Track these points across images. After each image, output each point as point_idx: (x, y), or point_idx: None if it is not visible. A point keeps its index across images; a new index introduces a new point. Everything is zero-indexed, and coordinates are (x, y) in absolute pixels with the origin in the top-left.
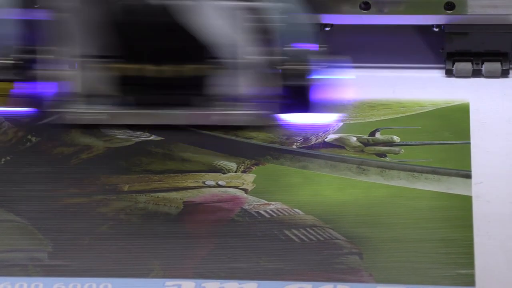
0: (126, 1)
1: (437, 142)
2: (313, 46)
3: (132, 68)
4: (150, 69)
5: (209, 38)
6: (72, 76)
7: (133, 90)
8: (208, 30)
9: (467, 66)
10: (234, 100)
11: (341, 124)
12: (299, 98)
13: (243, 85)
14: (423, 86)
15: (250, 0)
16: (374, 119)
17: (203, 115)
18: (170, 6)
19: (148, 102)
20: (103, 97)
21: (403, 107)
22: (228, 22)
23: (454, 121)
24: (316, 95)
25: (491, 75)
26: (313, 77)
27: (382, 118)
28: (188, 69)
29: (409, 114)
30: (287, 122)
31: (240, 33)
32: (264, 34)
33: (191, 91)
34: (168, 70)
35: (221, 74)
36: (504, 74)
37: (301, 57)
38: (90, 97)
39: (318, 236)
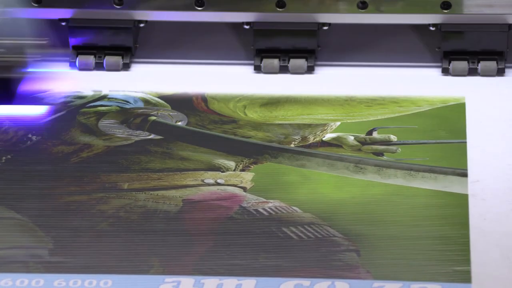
0: None
1: (434, 141)
2: (32, 39)
3: None
4: None
5: None
6: None
7: None
8: None
9: (463, 64)
10: None
11: (338, 123)
12: (7, 90)
13: None
14: (419, 84)
15: None
16: (371, 119)
17: None
18: None
19: None
20: None
21: (400, 106)
22: None
23: (451, 121)
24: (27, 88)
25: (487, 74)
26: (26, 69)
27: (379, 117)
28: None
29: (406, 113)
30: None
31: None
32: None
33: None
34: None
35: None
36: (499, 72)
37: (15, 50)
38: None
39: (316, 234)
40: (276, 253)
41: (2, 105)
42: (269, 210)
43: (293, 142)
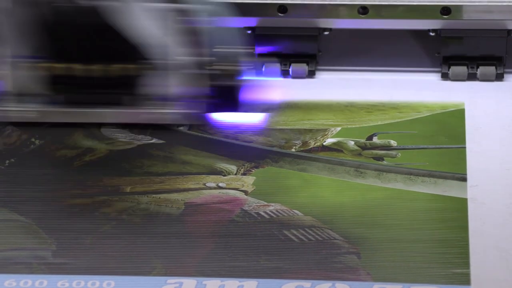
0: (56, 3)
1: (433, 146)
2: (242, 48)
3: (60, 67)
4: (78, 68)
5: (138, 38)
6: (3, 75)
7: (63, 89)
8: (137, 31)
9: (463, 69)
10: (163, 99)
11: (339, 129)
12: (228, 98)
13: (172, 85)
14: (419, 89)
15: (179, 2)
16: (371, 124)
17: (132, 113)
18: (99, 7)
19: (76, 101)
20: (33, 96)
21: (399, 112)
22: (157, 23)
23: (450, 126)
24: (244, 95)
25: (486, 79)
26: (242, 78)
27: (379, 123)
28: (116, 68)
29: (405, 119)
30: (215, 121)
31: (169, 34)
32: (193, 36)
33: (120, 90)
34: (96, 69)
35: (150, 74)
36: (498, 77)
37: (230, 58)
38: (21, 96)
39: (317, 236)
40: (278, 255)
41: (225, 112)
42: (270, 213)
43: (294, 147)
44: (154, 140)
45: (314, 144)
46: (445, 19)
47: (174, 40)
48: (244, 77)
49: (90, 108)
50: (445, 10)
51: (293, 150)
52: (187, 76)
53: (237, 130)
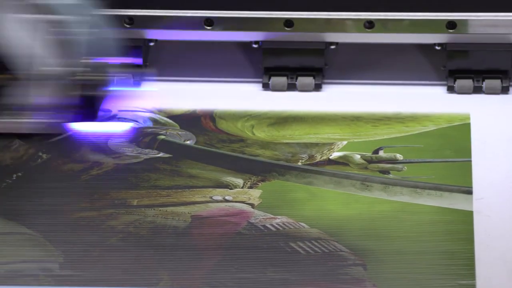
0: None
1: (439, 160)
2: (114, 59)
3: None
4: None
5: (5, 49)
6: None
7: None
8: (4, 42)
9: (468, 83)
10: (24, 109)
11: (345, 142)
12: (91, 108)
13: (36, 94)
14: (425, 102)
15: (50, 13)
16: (377, 138)
17: None
18: None
19: None
20: None
21: (405, 126)
22: (27, 33)
23: (456, 140)
24: (110, 105)
25: (491, 92)
26: (110, 88)
27: (385, 137)
28: None
29: (411, 133)
30: (74, 131)
31: (39, 45)
32: (63, 46)
33: None
34: None
35: (14, 84)
36: (504, 90)
37: (98, 69)
38: None
39: (323, 249)
40: (284, 267)
41: (87, 121)
42: (276, 225)
43: (300, 161)
44: (161, 154)
45: (320, 158)
46: (450, 33)
47: (44, 51)
48: (113, 88)
49: None
50: (451, 24)
51: (299, 163)
52: (52, 86)
53: (98, 139)
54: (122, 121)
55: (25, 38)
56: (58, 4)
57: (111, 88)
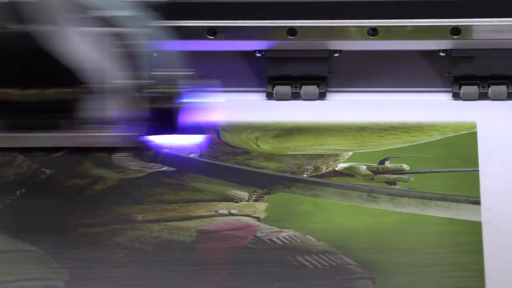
0: None
1: (446, 169)
2: (181, 71)
3: None
4: (14, 93)
5: (74, 63)
6: None
7: (1, 115)
8: (72, 55)
9: (474, 89)
10: (102, 123)
11: (350, 153)
12: (167, 121)
13: (111, 108)
14: (430, 109)
15: (116, 26)
16: (383, 148)
17: (69, 137)
18: (34, 32)
19: (15, 126)
20: None
21: (411, 136)
22: (93, 47)
23: (462, 149)
24: (184, 118)
25: (497, 98)
26: (181, 100)
27: (391, 147)
28: (52, 93)
29: (417, 143)
30: (154, 143)
31: (106, 58)
32: (131, 59)
33: (57, 114)
34: (32, 94)
35: (88, 98)
36: (510, 96)
37: (169, 81)
38: None
39: (331, 262)
40: (291, 281)
41: (164, 134)
42: (283, 239)
43: (305, 172)
44: (165, 168)
45: (326, 169)
46: (455, 39)
47: (112, 64)
48: (184, 99)
49: (27, 133)
50: (455, 30)
51: (305, 175)
52: (125, 99)
53: (176, 151)
54: (198, 132)
55: (92, 51)
56: (120, 16)
57: (183, 100)
